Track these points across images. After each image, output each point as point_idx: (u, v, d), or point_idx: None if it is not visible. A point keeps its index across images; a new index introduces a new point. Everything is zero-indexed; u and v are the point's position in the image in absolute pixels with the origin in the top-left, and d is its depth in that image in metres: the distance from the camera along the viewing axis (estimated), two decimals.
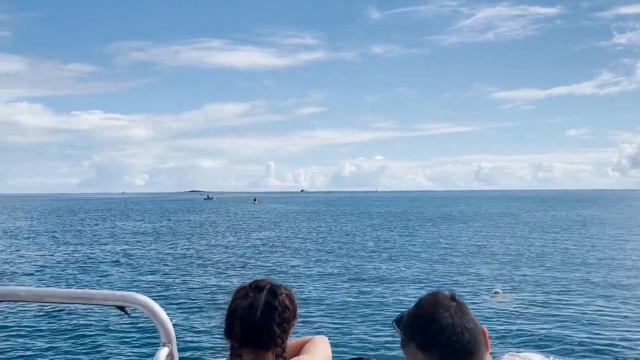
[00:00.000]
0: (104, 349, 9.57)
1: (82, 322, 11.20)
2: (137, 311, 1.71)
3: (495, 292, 13.84)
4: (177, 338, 1.70)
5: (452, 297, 1.31)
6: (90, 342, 9.95)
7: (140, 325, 10.42)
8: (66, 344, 9.85)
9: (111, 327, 10.70)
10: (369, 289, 15.15)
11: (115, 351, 9.42)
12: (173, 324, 1.69)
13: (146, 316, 1.70)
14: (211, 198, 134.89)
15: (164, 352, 1.64)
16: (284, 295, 1.67)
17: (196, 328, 10.82)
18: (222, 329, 1.68)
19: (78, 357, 9.18)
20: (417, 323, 1.27)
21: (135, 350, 9.39)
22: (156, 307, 1.68)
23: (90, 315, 11.50)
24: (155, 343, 1.66)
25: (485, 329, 1.30)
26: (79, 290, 1.82)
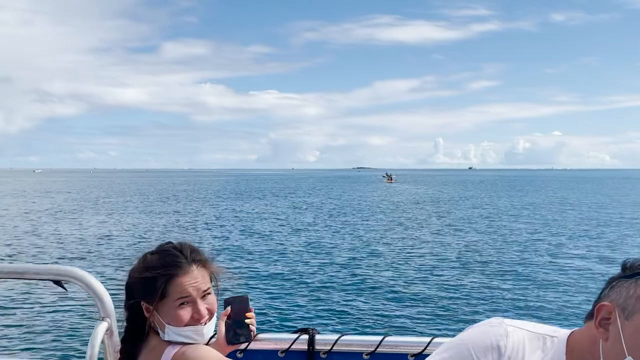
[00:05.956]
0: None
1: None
2: (76, 286, 1.67)
3: None
4: (116, 312, 1.68)
5: None
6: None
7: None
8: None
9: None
10: None
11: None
12: (112, 298, 1.66)
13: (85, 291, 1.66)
14: (390, 176, 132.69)
15: (102, 326, 1.62)
16: (140, 259, 1.45)
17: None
18: None
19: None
20: None
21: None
22: (94, 281, 1.66)
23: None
24: (95, 318, 1.64)
25: None
26: (12, 265, 1.76)
